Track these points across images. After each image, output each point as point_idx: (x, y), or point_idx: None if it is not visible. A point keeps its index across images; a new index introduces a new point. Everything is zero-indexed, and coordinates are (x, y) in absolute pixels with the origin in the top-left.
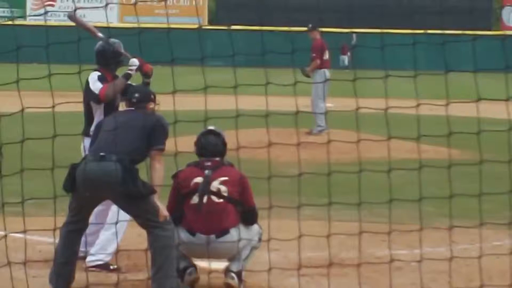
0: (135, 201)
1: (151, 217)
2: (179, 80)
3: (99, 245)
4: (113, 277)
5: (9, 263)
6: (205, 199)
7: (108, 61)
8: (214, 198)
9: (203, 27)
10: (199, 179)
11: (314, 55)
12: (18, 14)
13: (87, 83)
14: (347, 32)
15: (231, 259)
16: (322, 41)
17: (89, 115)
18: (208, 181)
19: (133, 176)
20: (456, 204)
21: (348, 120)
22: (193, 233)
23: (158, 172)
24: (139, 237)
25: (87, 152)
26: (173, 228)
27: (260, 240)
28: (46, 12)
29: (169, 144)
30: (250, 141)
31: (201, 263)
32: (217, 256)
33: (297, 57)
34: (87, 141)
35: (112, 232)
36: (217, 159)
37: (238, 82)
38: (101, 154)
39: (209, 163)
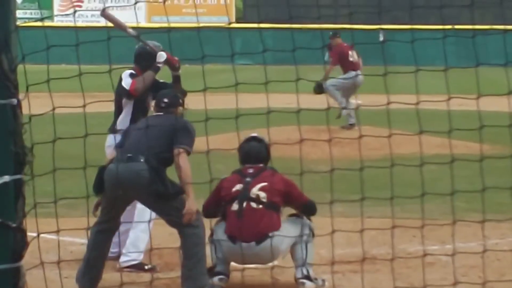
0: (164, 200)
1: (181, 216)
2: (208, 79)
3: (130, 244)
4: (145, 276)
5: (42, 264)
6: (244, 204)
7: (146, 63)
8: (253, 204)
9: (231, 25)
10: (239, 187)
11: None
12: (45, 15)
13: (120, 80)
14: (376, 29)
15: (296, 266)
16: (343, 46)
17: (119, 113)
18: (247, 188)
19: (160, 176)
20: (487, 198)
21: (378, 117)
22: (234, 241)
23: (183, 171)
24: (170, 236)
25: (109, 149)
26: (203, 225)
27: (312, 233)
28: (75, 12)
29: (201, 143)
30: (280, 139)
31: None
32: (259, 261)
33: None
34: (110, 138)
35: (141, 229)
36: (261, 165)
37: (268, 80)
38: (129, 155)
39: (251, 170)
